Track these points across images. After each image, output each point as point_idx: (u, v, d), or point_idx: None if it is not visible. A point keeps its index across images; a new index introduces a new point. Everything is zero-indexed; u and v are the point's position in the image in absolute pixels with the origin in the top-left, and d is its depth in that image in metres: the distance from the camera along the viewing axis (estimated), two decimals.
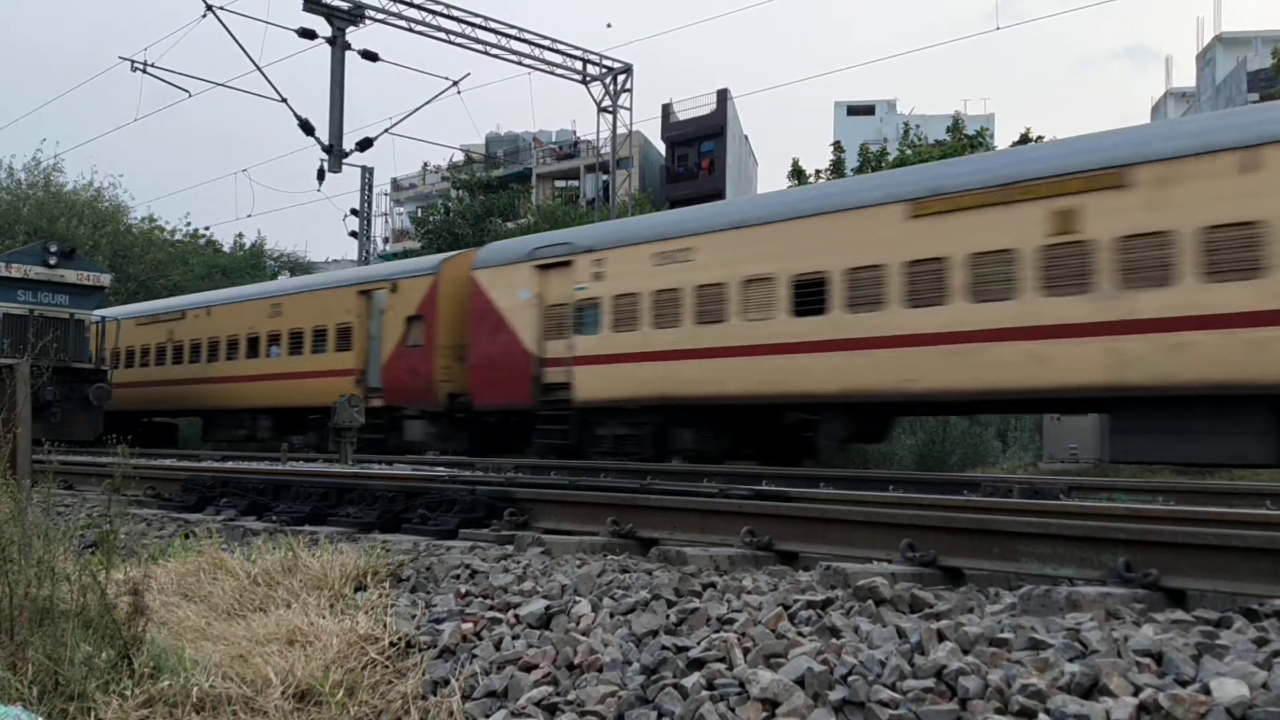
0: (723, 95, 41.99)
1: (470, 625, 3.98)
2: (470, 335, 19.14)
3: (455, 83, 26.21)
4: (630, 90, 29.50)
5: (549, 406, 17.48)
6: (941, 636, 3.06)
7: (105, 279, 23.37)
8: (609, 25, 65.89)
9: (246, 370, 24.36)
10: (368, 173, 35.70)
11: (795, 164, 29.70)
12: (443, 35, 26.40)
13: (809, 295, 14.36)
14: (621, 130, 29.89)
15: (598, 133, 31.57)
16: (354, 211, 35.58)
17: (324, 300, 22.65)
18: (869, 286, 13.77)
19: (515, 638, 3.82)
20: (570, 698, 3.25)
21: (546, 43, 28.09)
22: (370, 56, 24.65)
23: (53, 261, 21.40)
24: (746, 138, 46.84)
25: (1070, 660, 2.81)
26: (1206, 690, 2.54)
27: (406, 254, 39.91)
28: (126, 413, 27.77)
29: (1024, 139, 27.01)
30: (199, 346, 26.23)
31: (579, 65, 28.92)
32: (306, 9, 23.25)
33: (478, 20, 26.77)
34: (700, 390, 15.44)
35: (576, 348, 17.19)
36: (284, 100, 23.72)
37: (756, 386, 14.80)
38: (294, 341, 23.17)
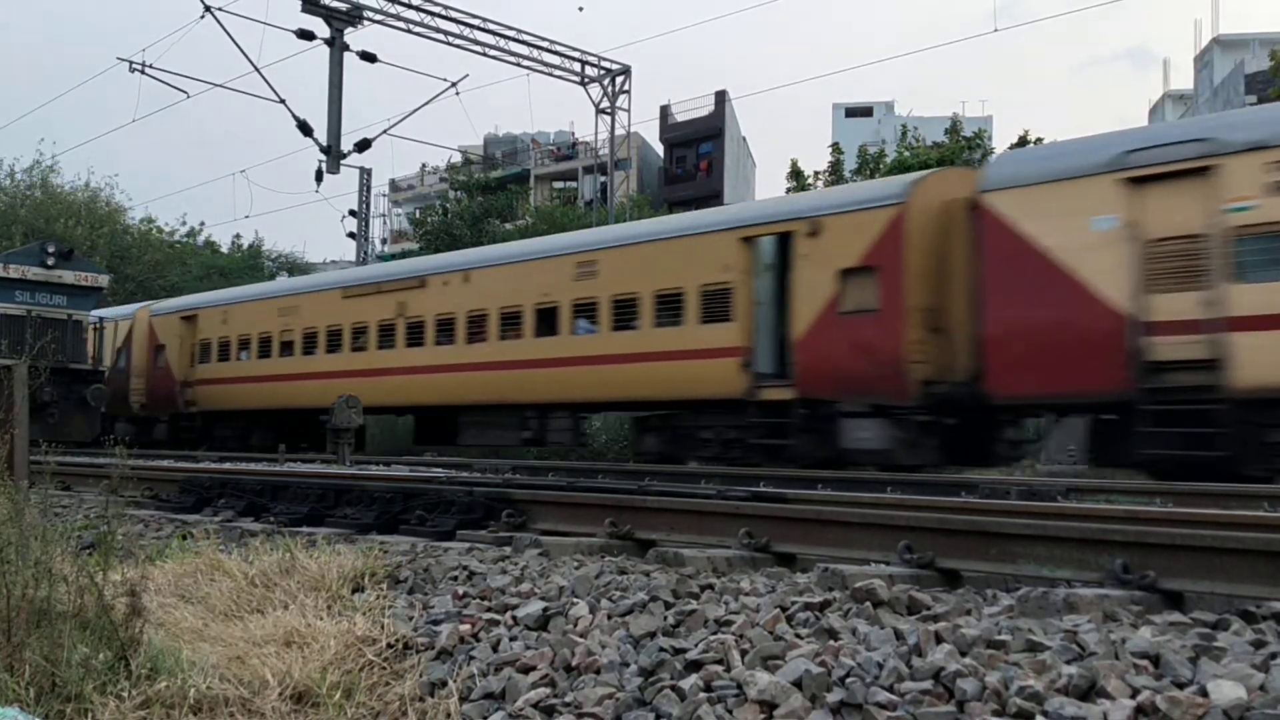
0: (721, 96, 42.06)
1: (468, 627, 3.98)
2: (983, 290, 12.98)
3: (453, 84, 26.26)
4: (628, 92, 29.53)
5: (1161, 396, 11.64)
6: (939, 638, 3.06)
7: (103, 280, 23.37)
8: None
9: (533, 352, 17.89)
10: (366, 174, 35.73)
11: (794, 165, 29.75)
12: (441, 36, 26.41)
13: None
14: (620, 131, 29.92)
15: (596, 134, 31.56)
16: (352, 213, 35.61)
17: (676, 252, 16.14)
18: None
19: (513, 639, 3.82)
20: (568, 699, 3.25)
21: (545, 44, 28.10)
22: (368, 58, 24.66)
23: (50, 262, 21.38)
24: (745, 139, 46.92)
25: (1068, 662, 2.81)
26: (1204, 692, 2.54)
27: (405, 254, 39.92)
28: (296, 411, 22.56)
29: (1022, 141, 27.06)
30: (450, 323, 19.49)
31: (577, 67, 28.93)
32: (305, 10, 23.25)
33: (476, 21, 26.78)
34: None
35: (1235, 303, 11.24)
36: (282, 101, 23.74)
37: None
38: (621, 312, 16.73)
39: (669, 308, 16.06)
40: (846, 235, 14.13)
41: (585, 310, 17.30)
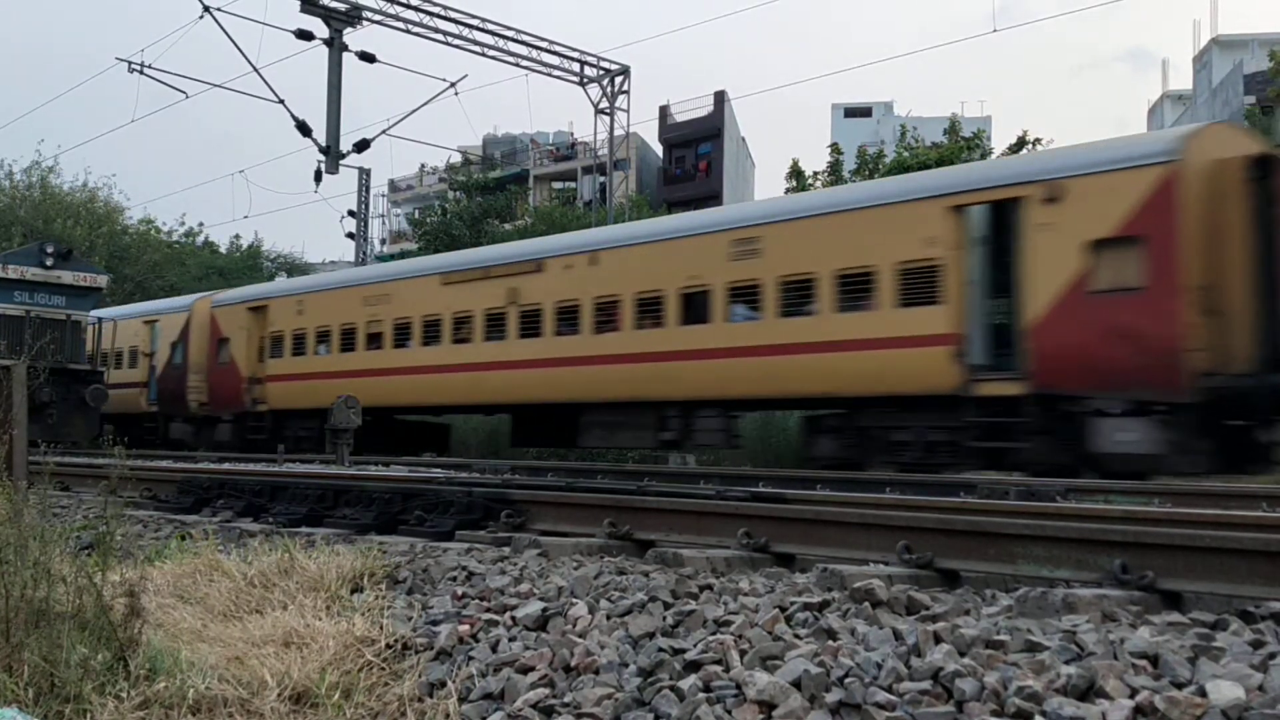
0: (720, 97, 42.07)
1: (467, 627, 3.98)
2: None
3: (452, 84, 26.27)
4: (627, 92, 29.52)
5: None
6: (938, 638, 3.06)
7: (102, 280, 23.34)
8: None
9: (677, 342, 15.72)
10: (365, 174, 35.72)
11: (795, 165, 29.73)
12: (440, 37, 26.41)
13: None
14: (619, 132, 29.91)
15: (595, 134, 31.54)
16: (351, 213, 35.59)
17: (865, 225, 13.93)
18: None
19: (512, 640, 3.82)
20: (567, 700, 3.25)
21: (544, 44, 28.10)
22: (367, 58, 24.66)
23: (49, 263, 21.37)
24: (744, 139, 46.94)
25: (1066, 662, 2.81)
26: (1202, 692, 2.54)
27: (404, 255, 39.92)
28: (384, 409, 20.07)
29: (1021, 142, 27.07)
30: (573, 311, 17.24)
31: (576, 67, 28.93)
32: (304, 10, 23.25)
33: (475, 22, 26.78)
34: None
35: None
36: (281, 102, 23.74)
37: None
38: (791, 295, 14.53)
39: (855, 289, 13.83)
40: (1099, 200, 11.88)
41: (744, 294, 15.05)
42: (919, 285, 13.18)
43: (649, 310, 16.20)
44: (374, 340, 20.80)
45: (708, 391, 15.38)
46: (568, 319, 17.36)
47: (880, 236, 13.59)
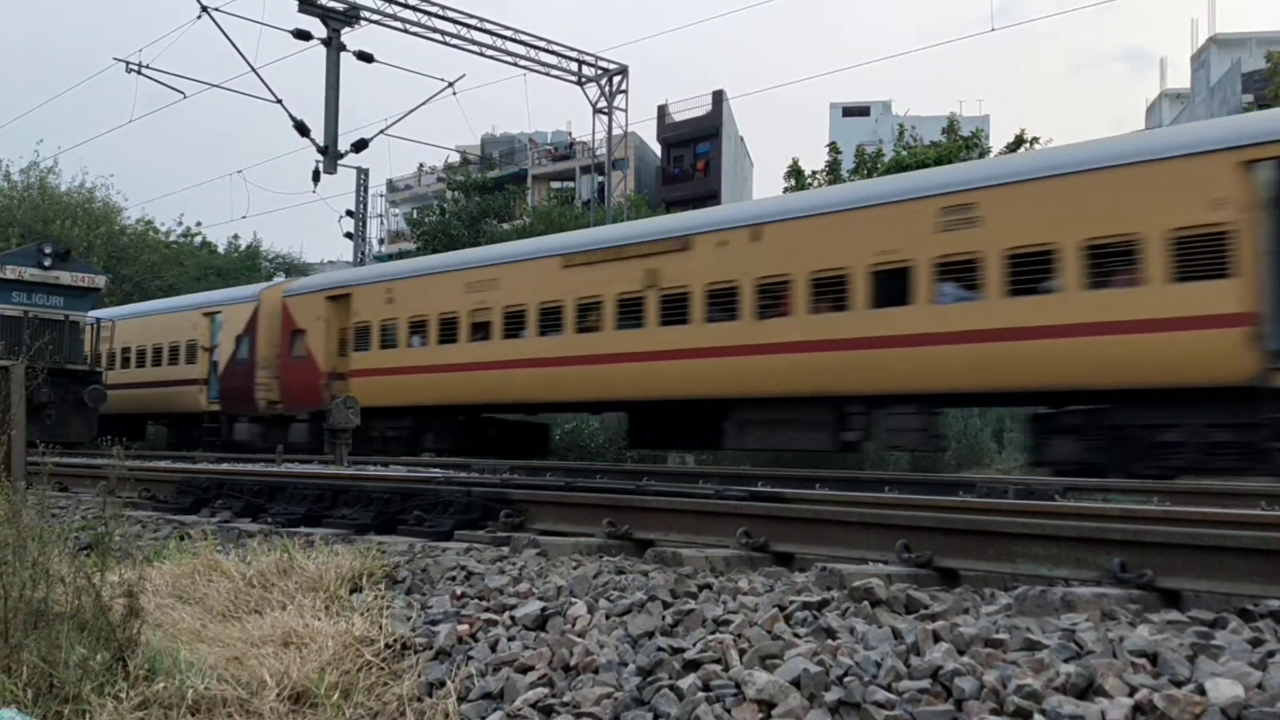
0: (718, 96, 42.08)
1: (466, 627, 3.98)
2: None
3: (451, 84, 26.26)
4: (626, 91, 29.53)
5: None
6: (937, 637, 3.06)
7: (100, 280, 23.33)
8: None
9: (866, 328, 13.58)
10: (363, 174, 35.69)
11: (794, 164, 29.75)
12: (438, 36, 26.42)
13: None
14: (617, 131, 29.91)
15: (593, 134, 31.50)
16: (349, 213, 35.58)
17: (1123, 186, 11.70)
18: None
19: (511, 639, 3.82)
20: (566, 699, 3.25)
21: (542, 44, 28.12)
22: (365, 58, 24.65)
23: (47, 263, 21.38)
24: (742, 139, 46.97)
25: (1065, 661, 2.81)
26: (1201, 690, 2.54)
27: (403, 255, 39.93)
28: (488, 406, 19.18)
29: (1019, 141, 27.09)
30: (730, 294, 15.07)
31: (574, 66, 28.94)
32: (301, 10, 23.25)
33: (473, 21, 26.79)
34: None
35: None
36: (279, 101, 23.72)
37: None
38: (1024, 270, 12.36)
39: (1112, 262, 11.75)
40: None
41: (956, 270, 12.91)
42: (1200, 256, 11.08)
43: (828, 291, 14.07)
44: (479, 330, 18.81)
45: (904, 384, 13.30)
46: (722, 303, 15.25)
47: (1146, 199, 11.46)
